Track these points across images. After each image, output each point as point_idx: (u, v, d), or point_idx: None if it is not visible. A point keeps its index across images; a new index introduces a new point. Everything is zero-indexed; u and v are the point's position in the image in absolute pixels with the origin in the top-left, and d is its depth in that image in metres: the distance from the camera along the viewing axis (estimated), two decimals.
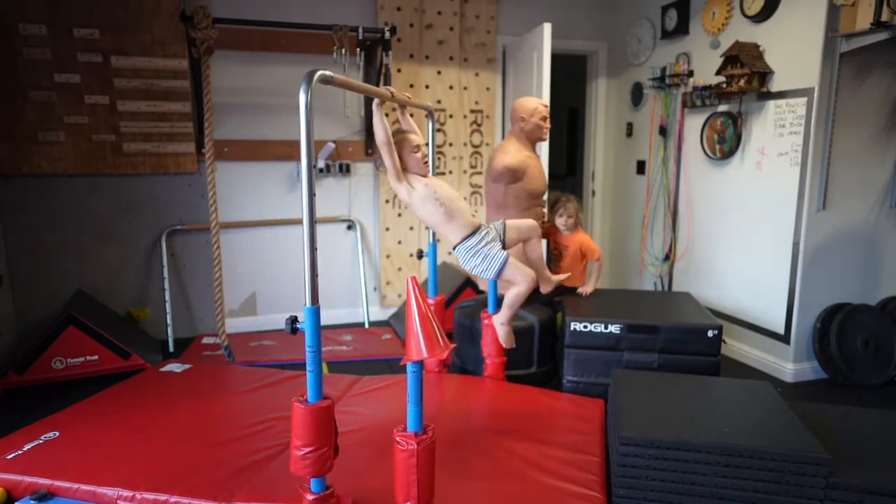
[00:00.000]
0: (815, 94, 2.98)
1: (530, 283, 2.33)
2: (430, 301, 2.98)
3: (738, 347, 3.57)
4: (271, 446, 2.23)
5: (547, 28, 3.69)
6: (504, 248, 2.33)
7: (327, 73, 1.63)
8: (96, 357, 3.12)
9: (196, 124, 3.73)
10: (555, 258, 3.34)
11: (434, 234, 3.02)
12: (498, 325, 2.56)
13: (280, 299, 4.13)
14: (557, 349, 3.21)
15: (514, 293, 2.40)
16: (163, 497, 1.89)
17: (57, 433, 2.32)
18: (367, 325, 4.18)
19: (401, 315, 4.17)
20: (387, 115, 2.12)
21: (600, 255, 3.27)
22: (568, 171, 8.43)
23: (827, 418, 2.18)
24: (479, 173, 4.47)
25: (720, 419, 2.04)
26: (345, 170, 4.12)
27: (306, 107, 1.55)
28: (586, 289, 3.21)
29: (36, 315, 3.54)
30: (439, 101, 4.26)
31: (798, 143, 3.09)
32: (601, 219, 4.97)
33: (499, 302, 2.96)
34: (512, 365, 2.93)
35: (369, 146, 4.15)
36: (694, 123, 3.81)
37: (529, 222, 2.49)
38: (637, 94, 4.39)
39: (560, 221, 3.24)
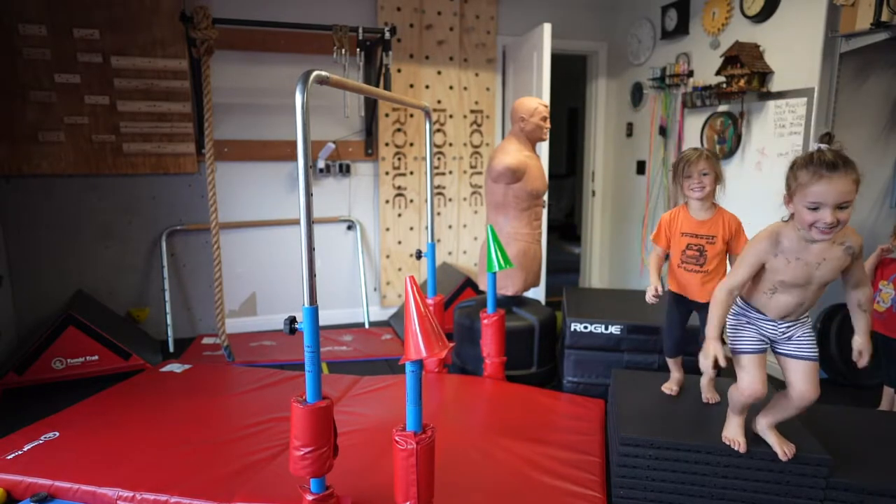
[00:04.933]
0: (815, 95, 2.98)
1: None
2: (430, 301, 2.98)
3: None
4: (271, 446, 2.23)
5: (547, 28, 3.69)
6: None
7: (323, 73, 1.63)
8: (96, 357, 3.12)
9: (196, 124, 3.73)
10: (687, 264, 2.18)
11: (433, 234, 3.01)
12: (765, 432, 1.91)
13: (280, 299, 4.13)
14: (557, 349, 3.21)
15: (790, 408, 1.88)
16: (163, 497, 1.89)
17: (57, 433, 2.32)
18: (367, 326, 4.18)
19: (401, 315, 4.17)
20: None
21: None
22: (568, 171, 8.45)
23: (827, 418, 2.17)
24: (479, 173, 4.47)
25: (720, 419, 2.03)
26: (345, 170, 4.12)
27: (303, 107, 1.55)
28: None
29: (36, 315, 3.54)
30: (439, 101, 4.26)
31: (798, 143, 3.09)
32: (601, 219, 4.96)
33: (501, 304, 2.96)
34: (512, 365, 2.93)
35: (369, 146, 4.15)
36: (694, 123, 3.81)
37: None
38: (637, 95, 4.39)
39: (694, 187, 2.02)
